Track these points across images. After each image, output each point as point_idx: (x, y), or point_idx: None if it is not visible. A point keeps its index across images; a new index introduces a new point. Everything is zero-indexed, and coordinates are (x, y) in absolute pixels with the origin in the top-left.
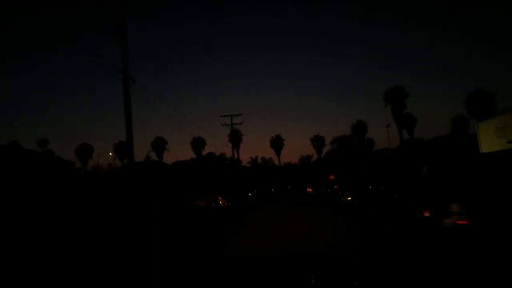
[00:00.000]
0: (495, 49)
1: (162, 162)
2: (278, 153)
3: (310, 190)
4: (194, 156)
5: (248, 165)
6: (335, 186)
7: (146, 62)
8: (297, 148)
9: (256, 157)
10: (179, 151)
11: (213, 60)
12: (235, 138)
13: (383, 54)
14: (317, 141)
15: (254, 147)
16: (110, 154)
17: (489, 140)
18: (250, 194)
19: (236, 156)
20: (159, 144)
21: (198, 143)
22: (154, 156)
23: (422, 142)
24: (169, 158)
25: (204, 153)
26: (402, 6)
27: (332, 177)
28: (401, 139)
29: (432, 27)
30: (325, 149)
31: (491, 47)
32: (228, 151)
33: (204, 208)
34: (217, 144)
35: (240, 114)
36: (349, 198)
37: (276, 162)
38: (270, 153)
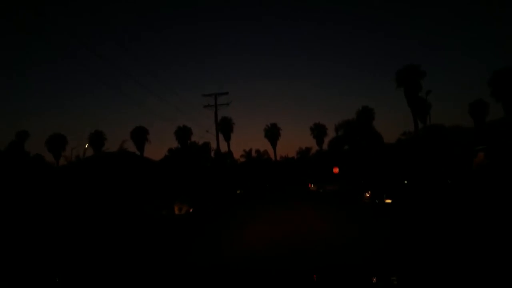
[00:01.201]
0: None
1: (137, 155)
2: (273, 144)
3: (313, 186)
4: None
5: (241, 159)
6: (361, 182)
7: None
8: (294, 141)
9: (250, 149)
10: (163, 142)
11: (202, 44)
12: (226, 128)
13: (387, 41)
14: (318, 130)
15: (248, 140)
16: (86, 146)
17: None
18: (238, 192)
19: (227, 148)
20: (140, 134)
21: (183, 133)
22: (134, 148)
23: (445, 129)
24: (151, 149)
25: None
26: None
27: (336, 170)
28: (416, 127)
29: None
30: (327, 140)
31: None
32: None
33: (146, 219)
34: (205, 134)
35: (227, 93)
36: (388, 201)
37: (272, 155)
38: (264, 146)
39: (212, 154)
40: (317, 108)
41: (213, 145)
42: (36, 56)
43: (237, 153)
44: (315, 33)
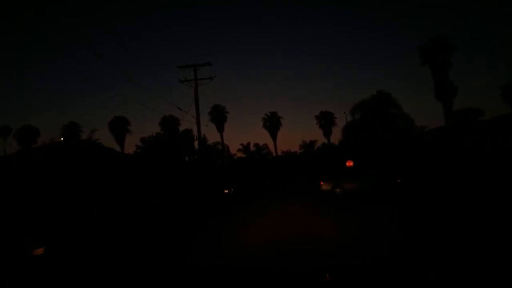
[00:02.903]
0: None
1: (95, 145)
2: (273, 136)
3: (325, 185)
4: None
5: (238, 153)
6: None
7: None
8: (296, 137)
9: (248, 143)
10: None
11: (202, 44)
12: (219, 117)
13: (387, 41)
14: (325, 119)
15: (249, 138)
16: (62, 139)
17: None
18: (226, 192)
19: (220, 139)
20: (119, 125)
21: (169, 123)
22: (112, 140)
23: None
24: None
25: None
26: None
27: (350, 163)
28: (446, 113)
29: None
30: (335, 130)
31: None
32: (208, 130)
33: None
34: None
35: (209, 64)
36: None
37: (272, 149)
38: (264, 140)
39: (196, 144)
40: (316, 108)
41: (204, 134)
42: (36, 56)
43: (235, 148)
44: (315, 33)
